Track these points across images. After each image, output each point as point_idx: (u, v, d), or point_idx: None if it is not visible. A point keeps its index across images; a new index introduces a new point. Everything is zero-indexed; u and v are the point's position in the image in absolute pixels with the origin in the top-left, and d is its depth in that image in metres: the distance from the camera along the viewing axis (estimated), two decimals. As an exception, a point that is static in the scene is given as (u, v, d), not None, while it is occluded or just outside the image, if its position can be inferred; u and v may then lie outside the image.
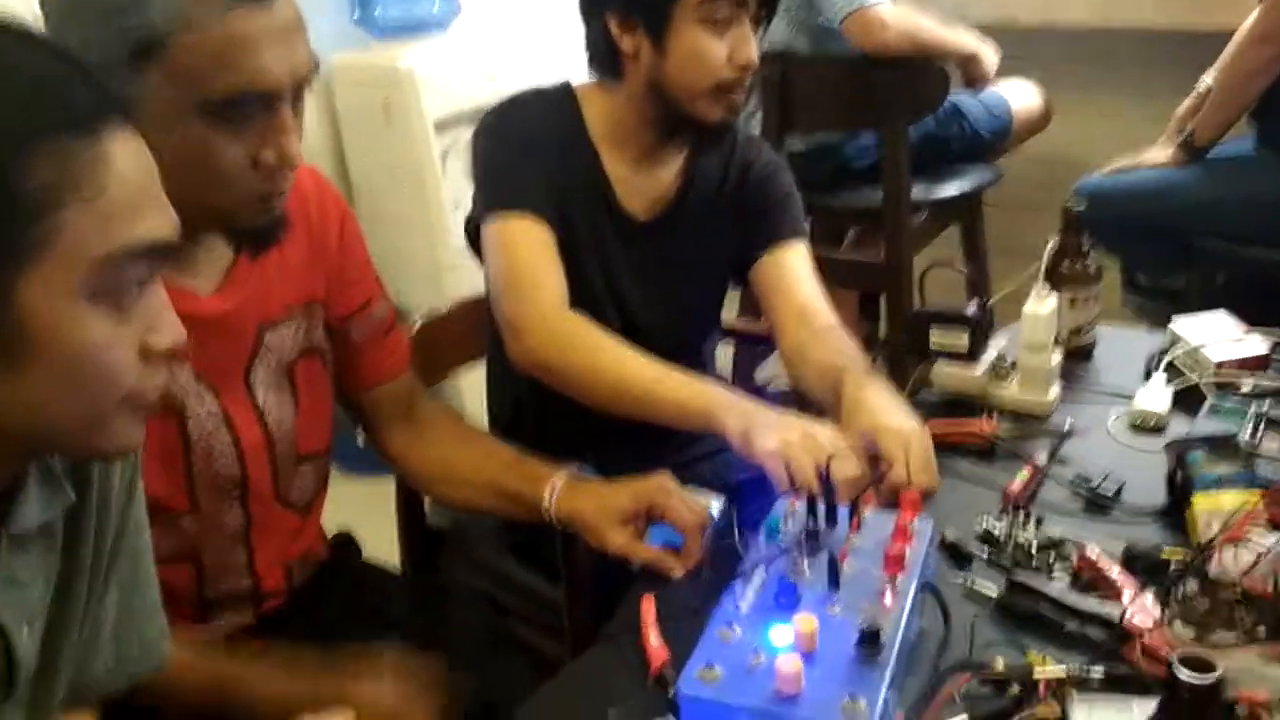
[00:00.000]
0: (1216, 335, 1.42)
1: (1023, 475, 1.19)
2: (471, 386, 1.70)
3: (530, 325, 1.26)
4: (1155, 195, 2.12)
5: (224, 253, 1.08)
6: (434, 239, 2.56)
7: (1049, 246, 1.39)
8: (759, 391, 1.66)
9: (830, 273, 2.56)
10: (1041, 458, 1.23)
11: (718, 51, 1.29)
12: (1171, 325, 1.47)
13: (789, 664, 0.81)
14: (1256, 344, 1.39)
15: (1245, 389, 1.33)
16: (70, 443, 0.71)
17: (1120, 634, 0.93)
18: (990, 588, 1.02)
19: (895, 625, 0.88)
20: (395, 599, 1.37)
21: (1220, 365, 1.37)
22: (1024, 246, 2.87)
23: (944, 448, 1.28)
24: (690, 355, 1.45)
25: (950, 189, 2.41)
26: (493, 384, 1.57)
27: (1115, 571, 1.00)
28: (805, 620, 0.86)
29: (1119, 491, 1.18)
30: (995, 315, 1.42)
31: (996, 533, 1.10)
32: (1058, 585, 1.01)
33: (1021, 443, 1.28)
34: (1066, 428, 1.30)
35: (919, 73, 2.22)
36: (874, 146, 2.36)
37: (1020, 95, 2.54)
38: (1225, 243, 2.09)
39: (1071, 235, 1.43)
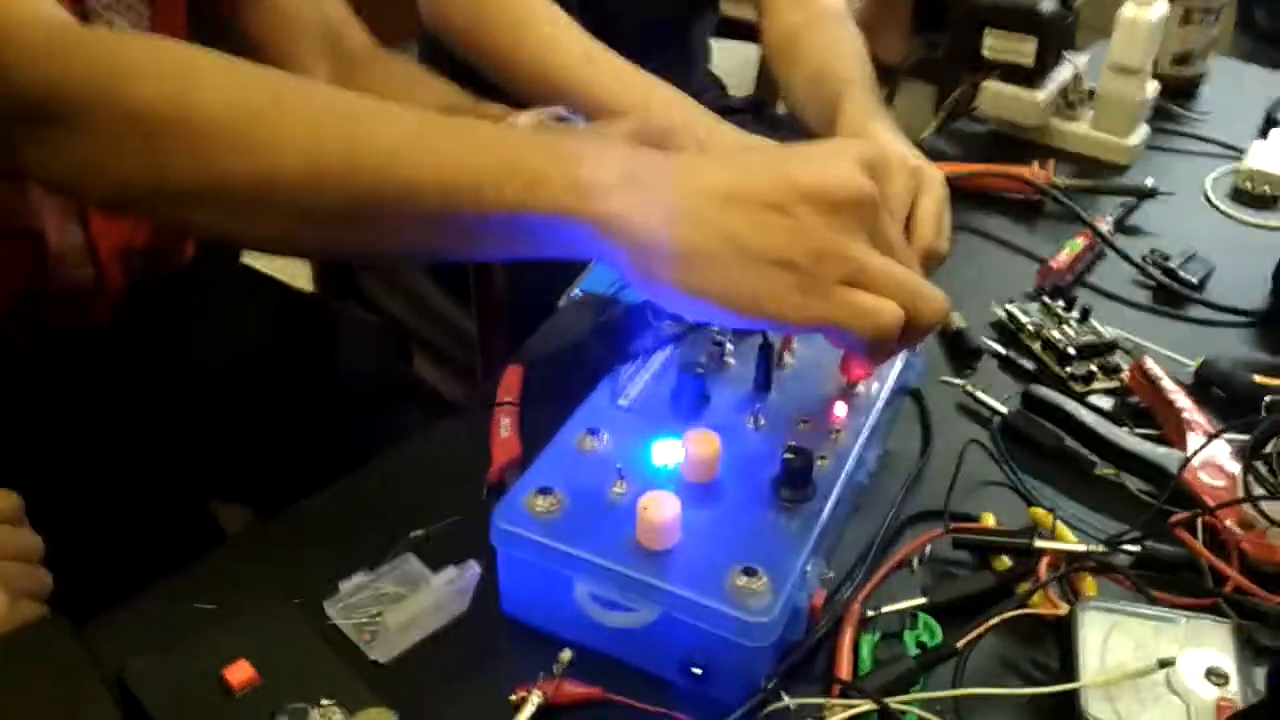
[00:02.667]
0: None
1: (1074, 245, 0.86)
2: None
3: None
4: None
5: None
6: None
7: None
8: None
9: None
10: (1106, 222, 0.90)
11: None
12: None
13: (657, 506, 0.53)
14: None
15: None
16: None
17: (1176, 493, 0.64)
18: (997, 404, 0.72)
19: (841, 459, 0.59)
20: (267, 319, 1.09)
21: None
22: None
23: (975, 196, 0.95)
24: (663, 42, 1.10)
25: None
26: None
27: (1181, 398, 0.70)
28: (703, 438, 0.56)
29: (1206, 279, 0.85)
30: (1079, 23, 1.04)
31: (1026, 322, 0.78)
32: (1094, 410, 0.71)
33: (1083, 200, 0.94)
34: (1149, 183, 0.95)
35: None
36: None
37: None
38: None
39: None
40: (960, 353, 0.77)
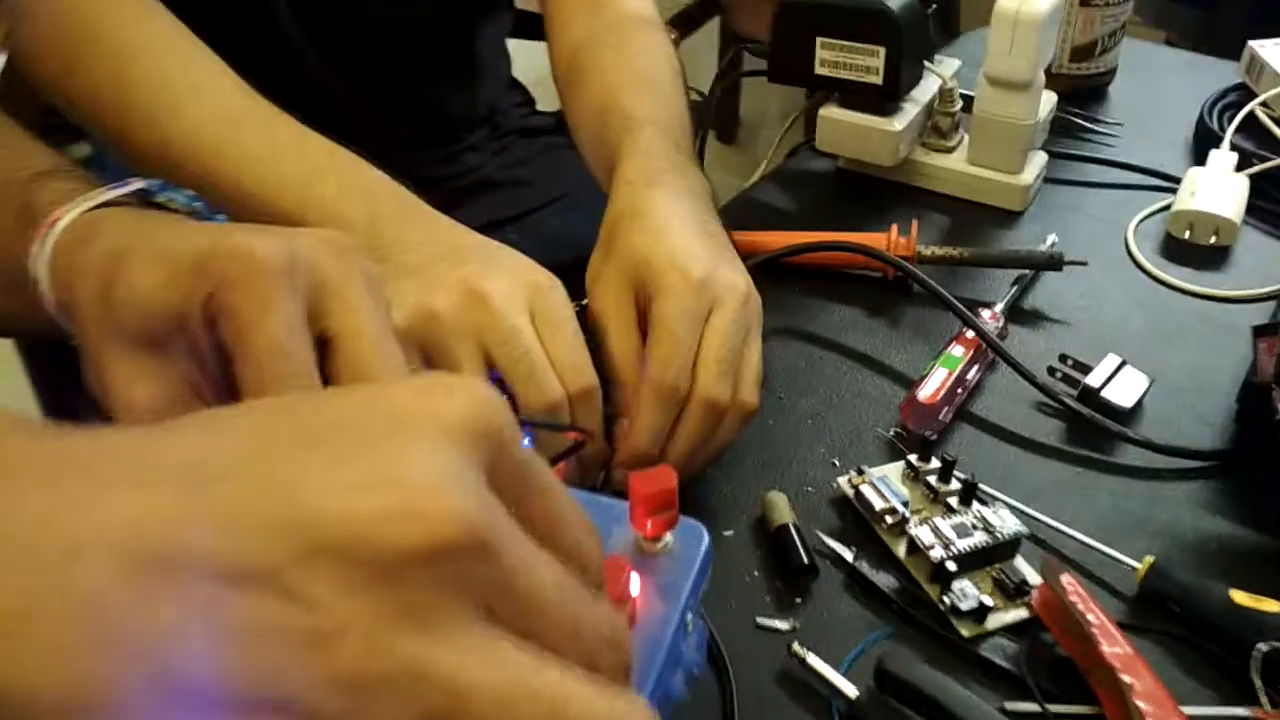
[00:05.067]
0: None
1: (951, 360, 0.59)
2: None
3: None
4: None
5: None
6: None
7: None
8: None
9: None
10: (998, 312, 0.63)
11: None
12: (1250, 47, 0.83)
13: None
14: (1405, 91, 0.76)
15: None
16: None
17: None
18: (839, 679, 0.44)
19: None
20: None
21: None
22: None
23: (817, 276, 0.67)
24: (449, 49, 0.83)
25: None
26: None
27: (1122, 650, 0.43)
28: None
29: (1142, 399, 0.58)
30: (958, 10, 0.76)
31: (881, 508, 0.51)
32: (990, 668, 0.43)
33: (963, 275, 0.67)
34: (1050, 244, 0.69)
35: None
36: None
37: None
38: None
39: None
40: (785, 568, 0.50)
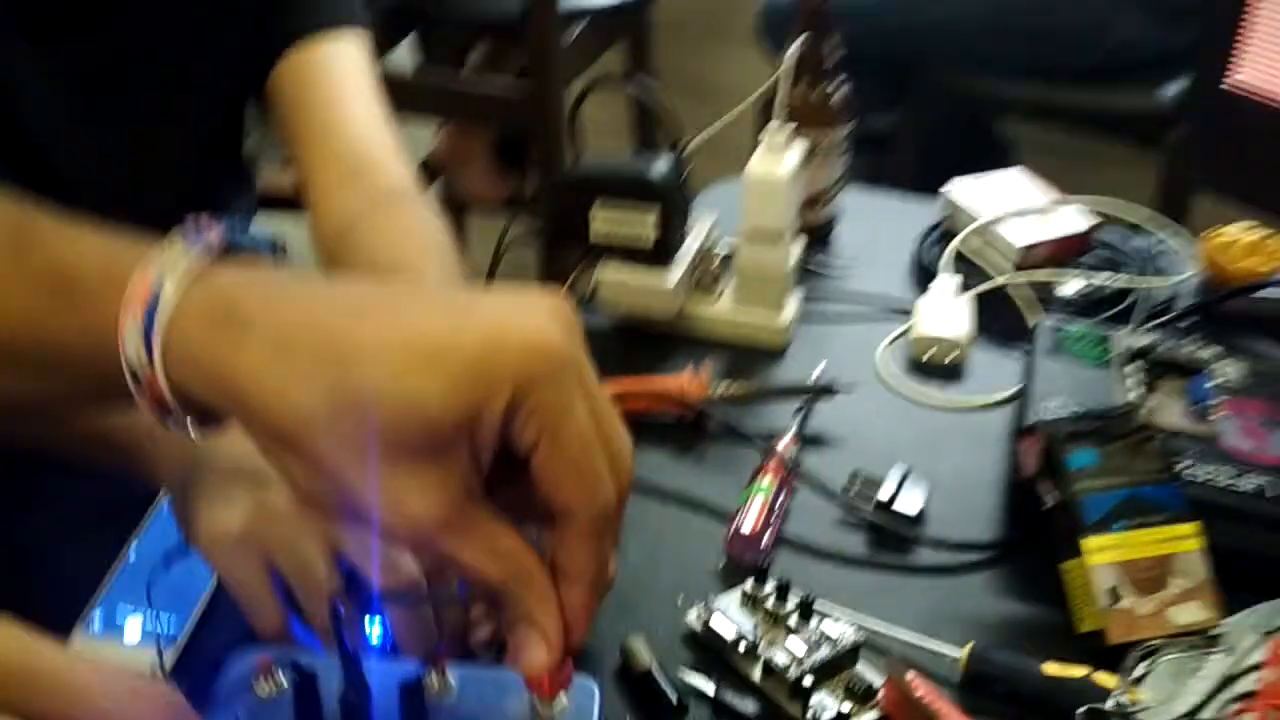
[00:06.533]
0: (1012, 205, 0.92)
1: (764, 489, 0.64)
2: None
3: None
4: (860, 14, 1.61)
5: None
6: None
7: (787, 60, 0.82)
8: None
9: (453, 107, 1.95)
10: (787, 442, 0.68)
11: None
12: (946, 191, 0.96)
13: None
14: (1070, 219, 0.91)
15: (1068, 290, 0.86)
16: None
17: None
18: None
19: None
20: None
21: (1029, 251, 0.88)
22: (702, 79, 2.37)
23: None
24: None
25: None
26: None
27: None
28: None
29: (925, 507, 0.65)
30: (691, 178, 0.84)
31: (730, 638, 0.54)
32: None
33: (750, 410, 0.73)
34: (815, 378, 0.76)
35: None
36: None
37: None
38: (945, 72, 1.65)
39: (813, 40, 0.87)
40: (658, 711, 0.51)
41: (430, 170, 2.06)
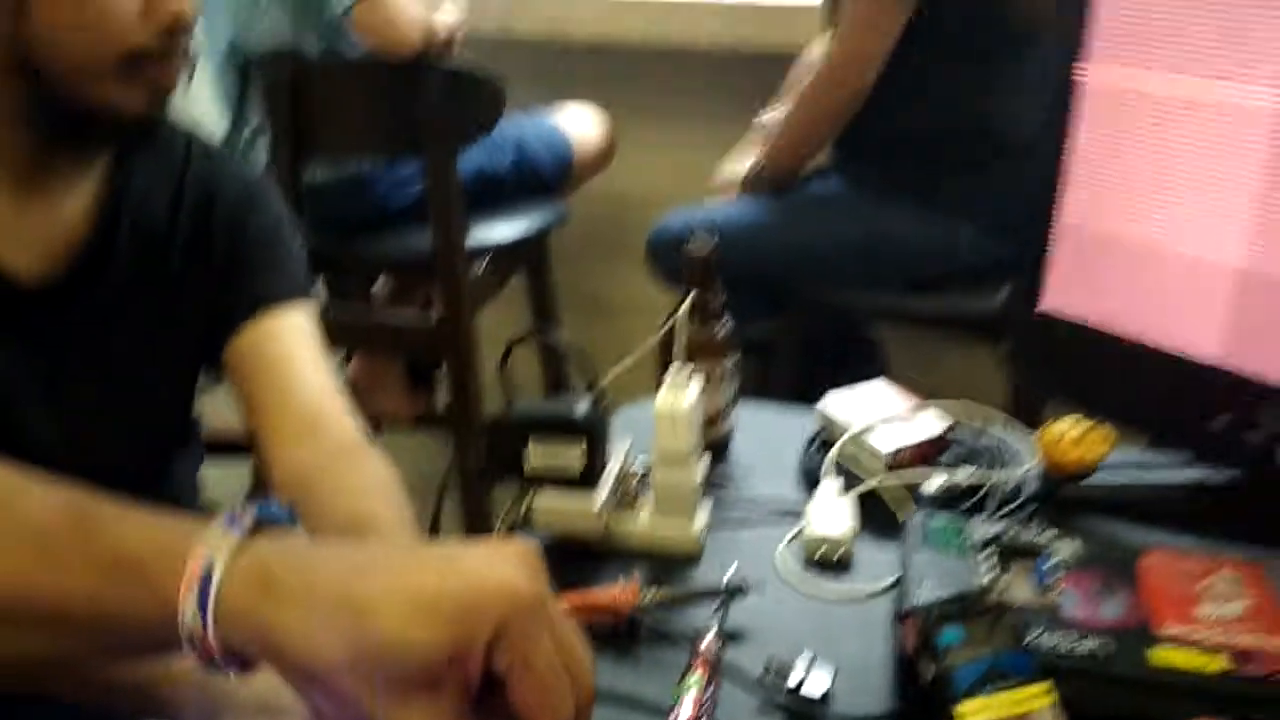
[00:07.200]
0: (879, 413, 1.08)
1: (694, 683, 0.75)
2: None
3: None
4: (741, 237, 1.82)
5: None
6: None
7: (682, 309, 0.97)
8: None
9: (365, 340, 2.08)
10: (709, 642, 0.80)
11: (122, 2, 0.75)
12: (821, 406, 1.11)
13: None
14: (930, 423, 1.07)
15: (931, 488, 1.00)
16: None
17: None
18: None
19: None
20: None
21: (896, 455, 1.03)
22: (599, 295, 2.55)
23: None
24: (142, 492, 0.87)
25: (512, 230, 1.98)
26: None
27: None
28: None
29: (831, 688, 0.77)
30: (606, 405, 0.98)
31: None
32: None
33: (676, 613, 0.84)
34: (727, 581, 0.87)
35: (469, 86, 1.77)
36: (415, 178, 1.88)
37: (580, 124, 2.18)
38: (818, 288, 1.85)
39: (702, 289, 1.03)
40: None
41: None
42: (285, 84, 1.73)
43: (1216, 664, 0.72)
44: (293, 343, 0.93)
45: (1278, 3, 0.83)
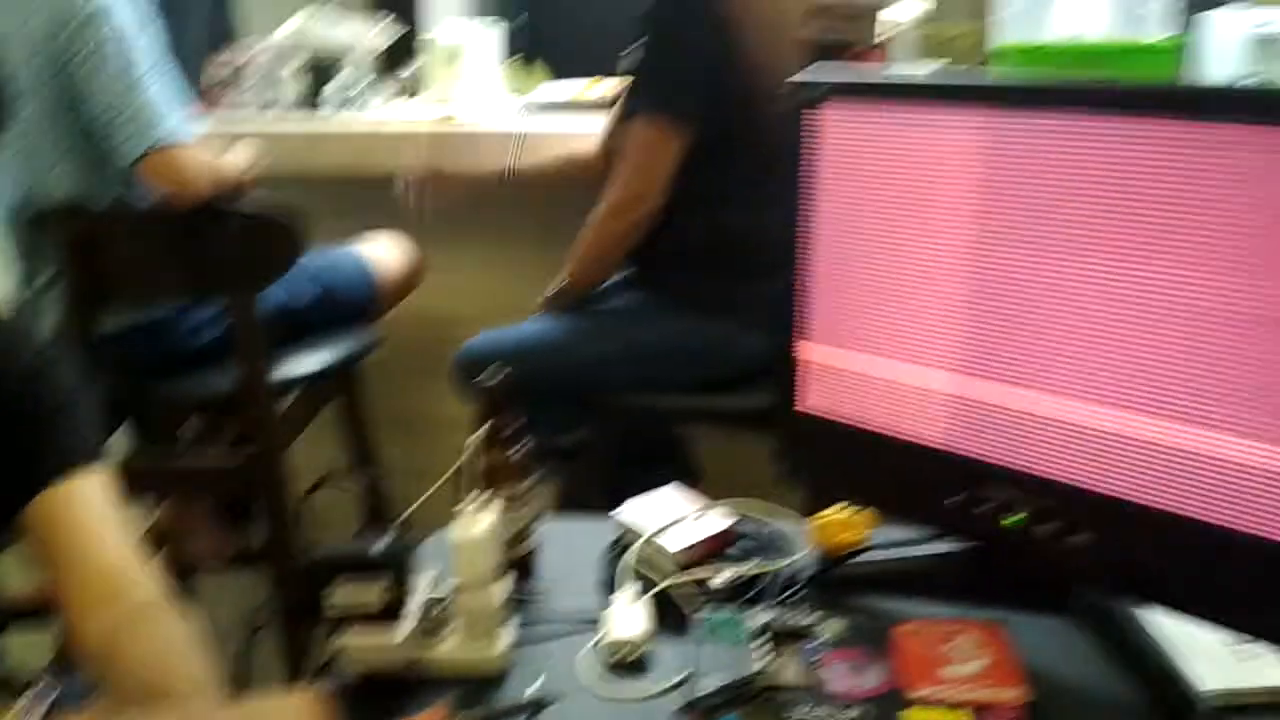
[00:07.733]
0: (670, 516, 1.17)
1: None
2: None
3: None
4: (546, 353, 1.91)
5: None
6: None
7: (473, 439, 1.04)
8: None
9: (174, 482, 2.05)
10: (518, 754, 0.85)
11: None
12: (617, 513, 1.20)
13: None
14: (715, 521, 1.17)
15: (717, 582, 1.09)
16: None
17: None
18: None
19: None
20: None
21: (685, 553, 1.12)
22: (411, 412, 2.59)
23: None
24: None
25: (317, 361, 2.01)
26: None
27: None
28: None
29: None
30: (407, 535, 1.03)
31: None
32: None
33: (484, 731, 0.89)
34: (528, 696, 0.93)
35: (264, 228, 1.81)
36: (217, 318, 1.90)
37: (383, 251, 2.24)
38: (619, 395, 1.95)
39: (497, 420, 1.10)
40: None
41: (156, 539, 2.12)
42: (77, 237, 1.73)
43: (960, 719, 0.83)
44: (88, 506, 0.95)
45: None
